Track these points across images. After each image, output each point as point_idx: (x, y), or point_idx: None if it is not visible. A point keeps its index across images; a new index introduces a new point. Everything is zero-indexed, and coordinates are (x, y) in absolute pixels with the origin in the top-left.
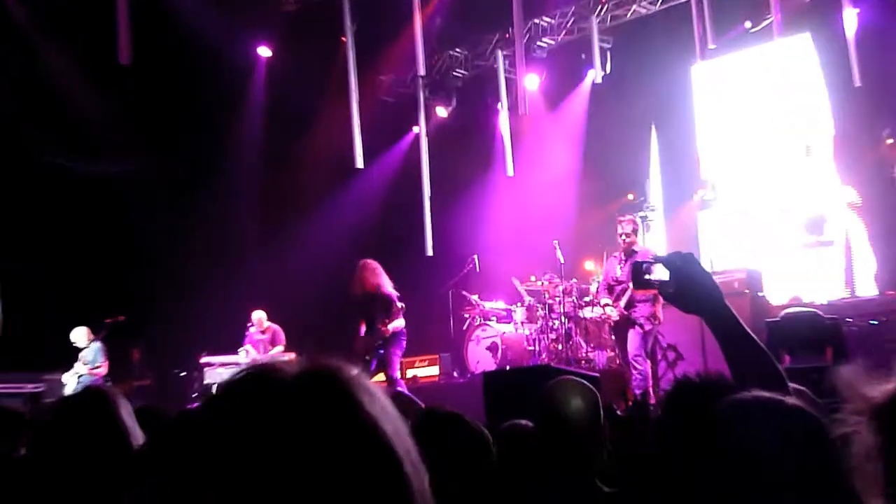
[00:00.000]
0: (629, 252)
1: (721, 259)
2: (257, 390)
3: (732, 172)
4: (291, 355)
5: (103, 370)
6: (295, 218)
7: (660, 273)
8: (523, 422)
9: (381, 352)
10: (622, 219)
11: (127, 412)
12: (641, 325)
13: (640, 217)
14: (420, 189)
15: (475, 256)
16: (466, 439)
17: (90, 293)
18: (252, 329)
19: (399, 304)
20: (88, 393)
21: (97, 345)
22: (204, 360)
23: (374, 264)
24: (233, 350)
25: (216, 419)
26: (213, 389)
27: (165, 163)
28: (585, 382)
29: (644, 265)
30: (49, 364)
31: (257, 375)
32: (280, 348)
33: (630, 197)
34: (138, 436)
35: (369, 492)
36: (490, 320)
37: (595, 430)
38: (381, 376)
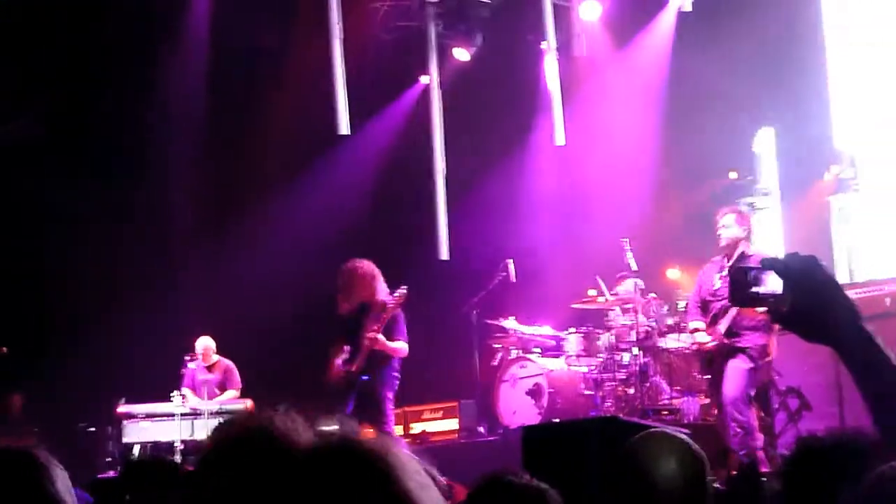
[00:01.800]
0: (735, 255)
1: (864, 265)
2: (259, 471)
3: (882, 140)
4: (247, 402)
5: None
6: (251, 207)
7: (772, 284)
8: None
9: (365, 378)
10: (724, 209)
11: (64, 485)
12: (750, 357)
13: (748, 205)
14: (431, 165)
15: (509, 261)
16: None
17: None
18: (192, 365)
19: (395, 307)
20: (7, 458)
21: None
22: (122, 409)
23: (367, 267)
24: (163, 395)
25: None
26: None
27: (64, 129)
28: (684, 438)
29: (750, 273)
30: None
31: (254, 444)
32: (234, 393)
33: (733, 175)
34: None
35: None
36: (532, 353)
37: None
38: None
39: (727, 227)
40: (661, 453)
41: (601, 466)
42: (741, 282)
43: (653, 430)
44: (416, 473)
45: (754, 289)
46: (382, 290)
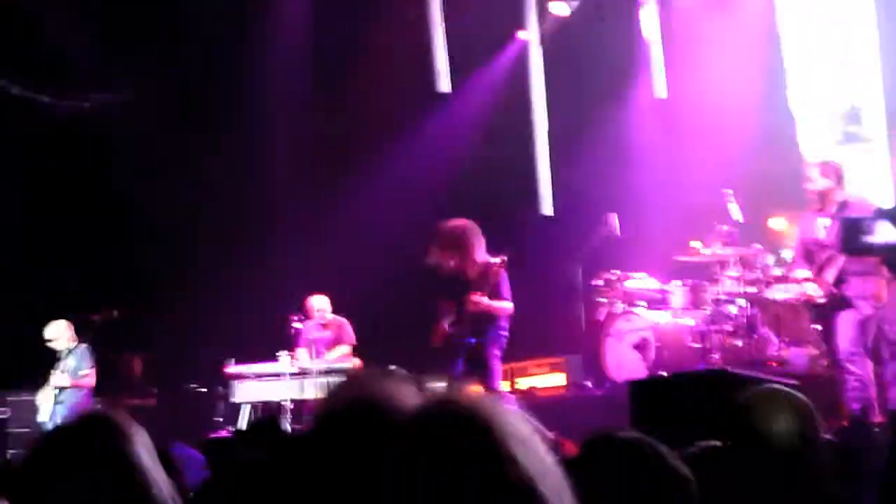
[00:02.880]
0: (835, 204)
1: None
2: (366, 437)
3: None
4: (355, 361)
5: (91, 379)
6: (353, 166)
7: (884, 233)
8: (713, 443)
9: (472, 341)
10: (808, 163)
11: (146, 450)
12: (861, 306)
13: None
14: (531, 121)
15: (613, 216)
16: (664, 483)
17: (69, 279)
18: (305, 324)
19: (498, 272)
20: (87, 422)
21: (82, 347)
22: (232, 370)
23: (468, 227)
24: (270, 356)
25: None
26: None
27: (167, 93)
28: (797, 393)
29: (861, 222)
30: (14, 378)
31: (361, 410)
32: (345, 349)
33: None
34: (162, 483)
35: None
36: (637, 307)
37: (814, 464)
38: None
39: (813, 182)
40: (774, 409)
41: (710, 419)
42: (853, 231)
43: (763, 386)
44: (520, 428)
45: (866, 238)
46: (483, 252)
